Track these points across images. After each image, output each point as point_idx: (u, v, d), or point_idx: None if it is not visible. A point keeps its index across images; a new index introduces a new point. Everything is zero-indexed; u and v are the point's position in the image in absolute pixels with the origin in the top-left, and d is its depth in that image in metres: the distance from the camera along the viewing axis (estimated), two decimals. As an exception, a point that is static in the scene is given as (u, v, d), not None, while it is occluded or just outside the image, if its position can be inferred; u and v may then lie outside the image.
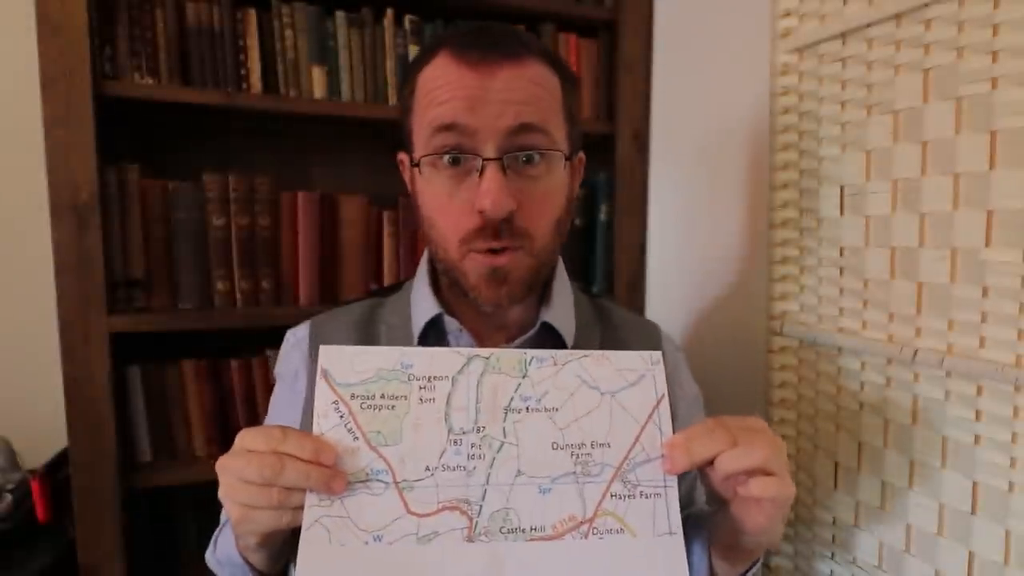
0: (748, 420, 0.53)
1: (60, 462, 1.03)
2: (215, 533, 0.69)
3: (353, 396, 0.53)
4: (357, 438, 0.52)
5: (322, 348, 0.54)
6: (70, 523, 1.00)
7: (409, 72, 0.65)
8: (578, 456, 0.53)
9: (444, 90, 0.59)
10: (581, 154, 0.69)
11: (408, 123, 0.65)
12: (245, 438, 0.52)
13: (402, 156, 0.69)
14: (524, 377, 0.55)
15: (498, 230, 0.59)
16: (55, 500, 1.00)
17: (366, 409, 0.52)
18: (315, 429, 0.52)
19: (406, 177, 0.71)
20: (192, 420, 1.11)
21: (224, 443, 1.11)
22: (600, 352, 0.57)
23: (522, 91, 0.59)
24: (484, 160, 0.58)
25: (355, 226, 1.19)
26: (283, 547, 0.59)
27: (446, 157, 0.60)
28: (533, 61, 0.60)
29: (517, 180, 0.59)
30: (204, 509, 1.17)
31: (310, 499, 0.50)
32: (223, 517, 0.72)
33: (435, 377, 0.54)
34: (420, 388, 0.53)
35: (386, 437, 0.52)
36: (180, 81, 1.04)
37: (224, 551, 0.64)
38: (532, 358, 0.55)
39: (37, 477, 0.98)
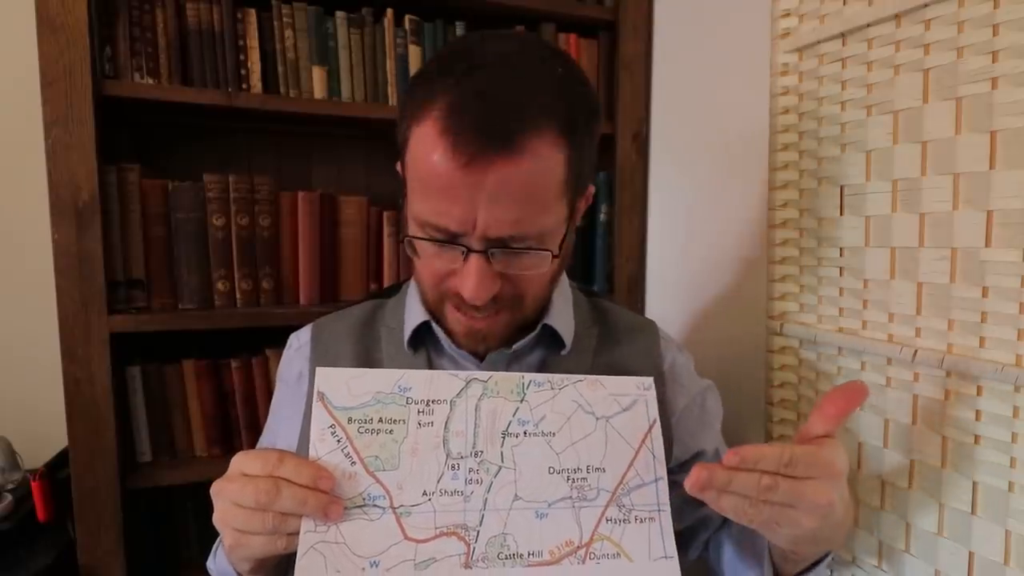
0: (818, 459, 0.50)
1: (60, 462, 1.03)
2: (216, 542, 0.69)
3: (351, 420, 0.52)
4: (355, 463, 0.51)
5: (319, 370, 0.53)
6: (70, 523, 1.00)
7: (405, 106, 0.58)
8: (574, 481, 0.53)
9: (432, 186, 0.54)
10: (591, 187, 0.65)
11: (402, 155, 0.60)
12: (241, 462, 0.51)
13: (400, 166, 0.68)
14: (522, 401, 0.55)
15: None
16: (55, 500, 1.00)
17: (364, 434, 0.52)
18: (311, 453, 0.51)
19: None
20: (192, 420, 1.11)
21: (224, 443, 1.11)
22: (594, 377, 0.57)
23: (515, 193, 0.53)
24: (469, 251, 0.55)
25: (355, 226, 1.19)
26: (277, 569, 0.58)
27: (432, 244, 0.57)
28: (535, 142, 0.52)
29: (502, 264, 0.56)
30: (204, 509, 1.17)
31: (306, 524, 0.49)
32: None
33: (433, 401, 0.53)
34: (418, 412, 0.53)
35: (384, 462, 0.52)
36: (180, 81, 1.04)
37: (222, 564, 0.63)
38: (530, 382, 0.55)
39: (37, 477, 0.98)
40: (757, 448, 0.48)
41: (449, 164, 0.52)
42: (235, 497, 0.49)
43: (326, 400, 0.52)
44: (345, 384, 0.53)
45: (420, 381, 0.54)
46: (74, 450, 0.97)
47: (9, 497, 0.98)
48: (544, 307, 0.66)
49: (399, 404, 0.53)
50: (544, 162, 0.54)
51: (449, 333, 0.64)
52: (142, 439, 1.08)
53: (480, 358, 0.66)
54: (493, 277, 0.56)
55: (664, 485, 0.55)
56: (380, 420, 0.52)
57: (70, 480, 0.98)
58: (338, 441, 0.52)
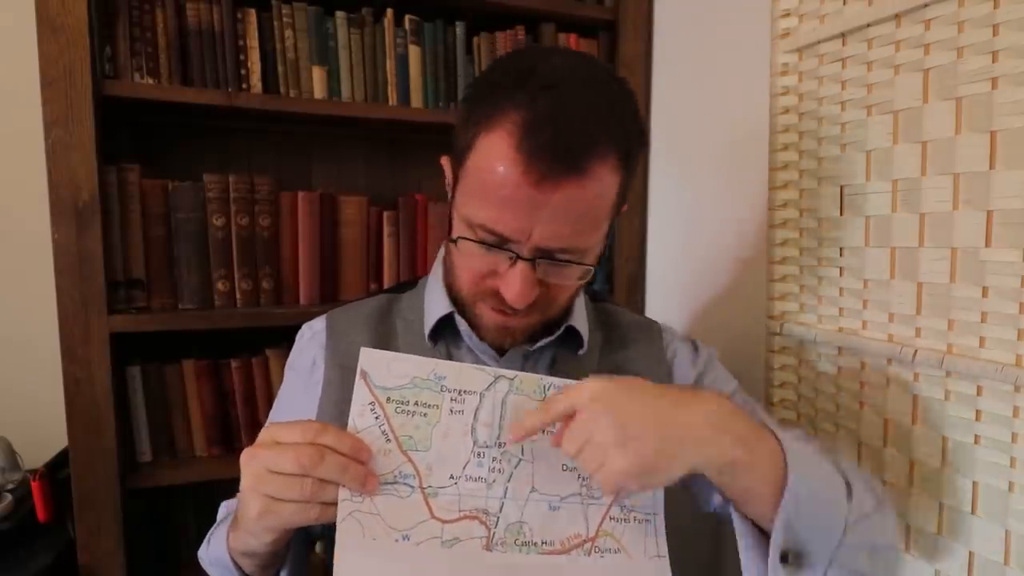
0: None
1: (60, 462, 1.03)
2: (210, 530, 0.69)
3: (389, 400, 0.55)
4: (390, 440, 0.54)
5: (363, 350, 0.56)
6: (70, 523, 1.00)
7: (472, 112, 0.59)
8: (583, 479, 0.57)
9: (496, 195, 0.55)
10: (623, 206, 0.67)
11: (462, 157, 0.60)
12: (276, 431, 0.52)
13: (445, 160, 0.66)
14: (542, 400, 0.58)
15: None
16: (55, 500, 1.00)
17: (400, 414, 0.55)
18: (351, 426, 0.54)
19: (448, 178, 0.66)
20: (192, 420, 1.11)
21: (224, 443, 1.11)
22: None
23: (575, 213, 0.56)
24: (518, 257, 0.57)
25: (355, 226, 1.19)
26: (276, 557, 0.58)
27: (482, 246, 0.58)
28: (599, 167, 0.55)
29: (544, 272, 0.59)
30: (204, 509, 1.17)
31: (343, 493, 0.52)
32: (220, 515, 0.72)
33: (465, 391, 0.56)
34: (451, 400, 0.56)
35: (417, 442, 0.55)
36: (180, 81, 1.04)
37: (216, 550, 0.63)
38: (550, 384, 0.58)
39: (37, 477, 0.98)
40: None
41: (520, 179, 0.54)
42: (272, 463, 0.50)
43: (368, 378, 0.55)
44: (386, 365, 0.56)
45: (453, 371, 0.57)
46: (74, 450, 0.97)
47: (9, 497, 0.98)
48: (568, 308, 0.68)
49: (434, 390, 0.56)
50: (604, 187, 0.57)
51: (476, 328, 0.65)
52: (142, 439, 1.08)
53: (500, 353, 0.68)
54: (535, 283, 0.58)
55: (660, 490, 0.58)
56: (416, 403, 0.55)
57: (70, 480, 0.98)
58: (376, 418, 0.54)
